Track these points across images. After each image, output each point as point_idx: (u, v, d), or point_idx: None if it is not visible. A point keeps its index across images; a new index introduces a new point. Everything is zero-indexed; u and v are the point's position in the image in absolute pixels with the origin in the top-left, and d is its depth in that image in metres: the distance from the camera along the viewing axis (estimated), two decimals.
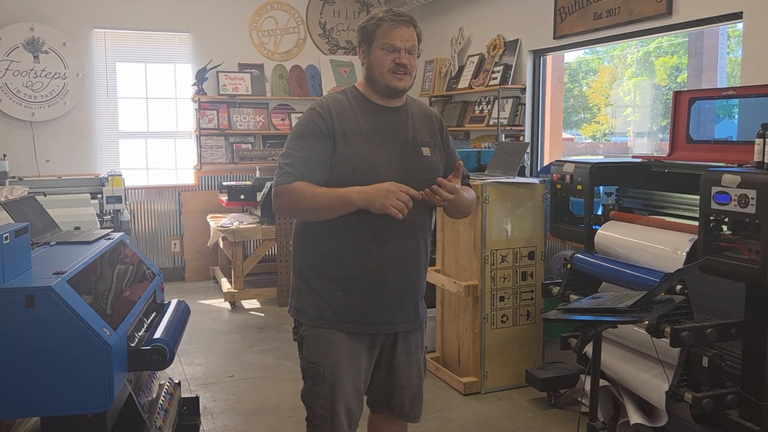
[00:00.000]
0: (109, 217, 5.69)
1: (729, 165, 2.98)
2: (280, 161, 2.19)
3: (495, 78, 5.65)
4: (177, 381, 2.98)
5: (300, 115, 2.29)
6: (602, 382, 3.25)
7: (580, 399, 3.63)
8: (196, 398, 3.03)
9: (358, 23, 2.30)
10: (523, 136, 5.51)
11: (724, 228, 2.82)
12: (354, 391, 2.23)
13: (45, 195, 5.01)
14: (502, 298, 3.98)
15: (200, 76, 6.72)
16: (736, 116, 4.96)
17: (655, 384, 3.05)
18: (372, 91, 2.25)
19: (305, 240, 2.26)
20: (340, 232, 2.17)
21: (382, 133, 2.22)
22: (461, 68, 6.31)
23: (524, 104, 5.52)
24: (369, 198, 2.06)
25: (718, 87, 5.10)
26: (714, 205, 2.74)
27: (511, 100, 5.61)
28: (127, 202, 5.99)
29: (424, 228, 2.31)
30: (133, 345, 2.20)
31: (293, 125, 2.29)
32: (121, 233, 2.84)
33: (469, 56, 6.22)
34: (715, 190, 2.73)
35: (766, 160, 2.69)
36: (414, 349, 2.34)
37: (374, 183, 2.11)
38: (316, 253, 2.22)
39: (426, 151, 2.27)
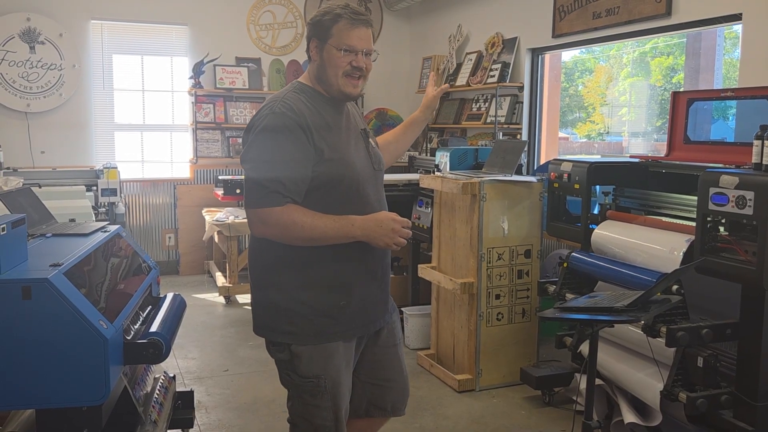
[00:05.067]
0: (104, 209, 5.68)
1: (727, 166, 2.98)
2: (256, 176, 1.99)
3: (493, 76, 5.65)
4: (172, 375, 2.96)
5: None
6: (597, 381, 3.25)
7: (574, 398, 3.64)
8: (191, 392, 3.02)
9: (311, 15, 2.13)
10: (520, 134, 5.51)
11: (721, 229, 2.83)
12: (348, 393, 2.21)
13: (40, 186, 5.00)
14: (497, 296, 3.98)
15: (197, 70, 6.70)
16: (731, 117, 4.98)
17: (649, 383, 3.06)
18: (322, 89, 2.14)
19: (295, 261, 2.09)
20: (338, 245, 2.08)
21: (344, 129, 2.16)
22: (459, 65, 6.31)
23: (522, 102, 5.52)
24: (373, 236, 2.04)
25: (716, 88, 5.12)
26: (711, 206, 2.75)
27: (508, 98, 5.61)
28: (122, 195, 5.97)
29: None
30: (129, 338, 2.19)
31: (254, 132, 2.03)
32: (117, 226, 2.82)
33: (467, 54, 6.22)
34: (712, 191, 2.74)
35: (764, 162, 2.69)
36: (398, 341, 2.35)
37: (358, 184, 2.11)
38: (314, 271, 2.09)
39: (373, 141, 2.28)
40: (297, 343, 2.10)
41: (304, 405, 2.14)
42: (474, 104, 6.07)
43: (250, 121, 2.10)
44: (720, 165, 3.05)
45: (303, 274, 2.09)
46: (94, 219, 4.82)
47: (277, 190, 1.98)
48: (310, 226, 1.99)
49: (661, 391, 2.94)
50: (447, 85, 2.64)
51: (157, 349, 2.16)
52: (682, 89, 5.01)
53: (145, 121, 6.88)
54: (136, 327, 2.36)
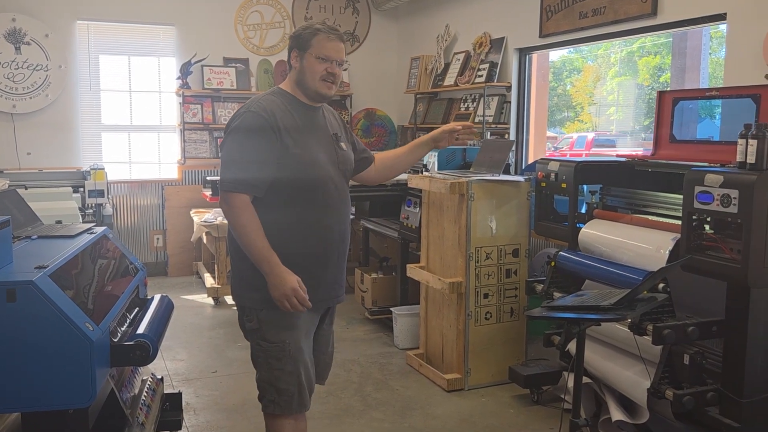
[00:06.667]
0: (91, 211, 5.64)
1: (712, 165, 3.01)
2: (230, 165, 2.31)
3: (481, 76, 5.66)
4: (160, 376, 2.96)
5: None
6: (584, 379, 3.27)
7: (562, 396, 3.66)
8: (179, 394, 3.01)
9: (297, 29, 2.46)
10: (508, 133, 5.53)
11: (707, 227, 2.85)
12: (310, 362, 2.48)
13: (26, 188, 4.96)
14: (486, 295, 3.99)
15: (184, 70, 6.67)
16: (718, 116, 5.01)
17: (637, 381, 3.07)
18: (300, 93, 2.45)
19: None
20: (296, 225, 2.38)
21: (314, 131, 2.45)
22: (447, 65, 6.32)
23: (509, 102, 5.53)
24: (272, 283, 2.30)
25: (702, 87, 5.15)
26: (697, 205, 2.77)
27: (496, 98, 5.63)
28: (109, 196, 5.93)
29: (350, 217, 2.59)
30: (115, 340, 2.18)
31: (231, 128, 2.37)
32: (103, 227, 2.81)
33: (455, 53, 6.23)
34: (698, 189, 2.76)
35: (748, 161, 2.71)
36: (332, 322, 2.67)
37: (320, 179, 2.39)
38: (272, 245, 2.33)
39: (344, 145, 2.55)
40: (265, 308, 2.37)
41: (270, 370, 2.40)
42: (462, 104, 6.08)
43: (230, 119, 2.40)
44: (705, 164, 3.08)
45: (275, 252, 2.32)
46: (80, 221, 4.79)
47: (245, 179, 2.29)
48: (247, 234, 2.29)
49: (648, 389, 2.96)
50: (471, 128, 2.81)
51: (144, 351, 2.16)
52: (668, 88, 5.05)
53: (133, 122, 6.84)
54: (123, 329, 2.35)
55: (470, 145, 5.24)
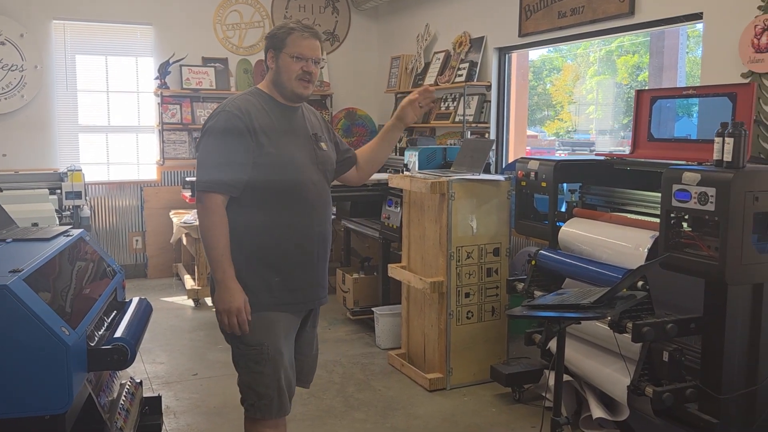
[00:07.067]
0: (68, 213, 5.56)
1: (689, 163, 3.03)
2: (205, 163, 2.31)
3: (461, 75, 5.67)
4: (139, 380, 2.93)
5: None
6: (565, 377, 3.29)
7: (544, 394, 3.67)
8: (159, 397, 2.99)
9: (271, 29, 2.47)
10: (489, 133, 5.54)
11: (685, 225, 2.87)
12: (290, 365, 2.44)
13: (1, 190, 4.89)
14: (467, 295, 3.99)
15: (163, 70, 6.61)
16: (695, 115, 5.07)
17: (617, 378, 3.09)
18: (277, 93, 2.43)
19: (241, 240, 2.34)
20: (275, 226, 2.36)
21: (292, 131, 2.44)
22: (427, 65, 6.32)
23: (489, 101, 5.55)
24: (222, 296, 2.29)
25: (679, 86, 5.20)
26: (675, 203, 2.79)
27: (476, 97, 5.64)
28: (87, 198, 5.86)
29: (331, 217, 2.58)
30: (92, 344, 2.15)
31: (208, 126, 2.36)
32: (80, 230, 2.78)
33: (435, 53, 6.23)
34: (675, 187, 2.78)
35: (725, 159, 2.74)
36: (315, 324, 2.63)
37: (297, 180, 2.36)
38: (249, 247, 2.34)
39: (324, 145, 2.53)
40: None
41: (250, 373, 2.38)
42: (442, 103, 6.08)
43: (206, 119, 2.39)
44: (683, 162, 3.10)
45: (246, 252, 2.34)
46: (57, 223, 4.72)
47: (220, 179, 2.28)
48: (214, 236, 2.27)
49: (628, 386, 2.97)
50: (429, 90, 2.70)
51: (122, 354, 2.13)
52: (646, 87, 5.09)
53: (110, 123, 6.77)
54: (100, 333, 2.33)
55: (451, 144, 5.25)
